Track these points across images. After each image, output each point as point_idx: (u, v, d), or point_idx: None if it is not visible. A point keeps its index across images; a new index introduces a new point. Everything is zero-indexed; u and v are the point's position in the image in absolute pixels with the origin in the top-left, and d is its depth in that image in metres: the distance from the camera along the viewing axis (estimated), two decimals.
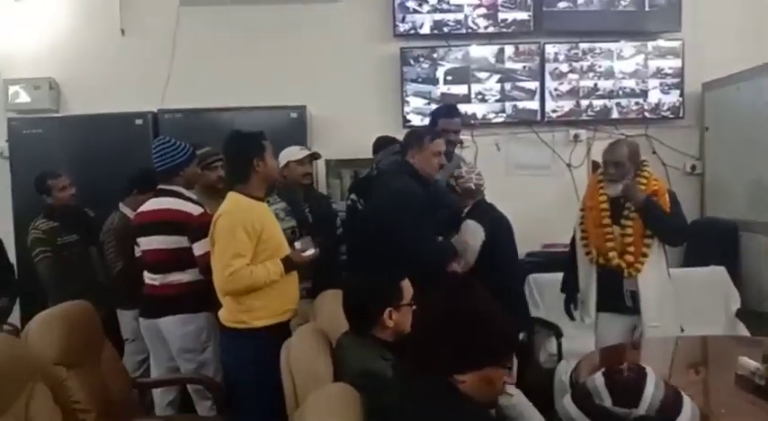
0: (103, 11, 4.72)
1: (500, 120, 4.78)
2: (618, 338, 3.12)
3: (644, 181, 3.12)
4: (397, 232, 2.91)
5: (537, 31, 4.75)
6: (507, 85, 4.77)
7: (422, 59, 4.75)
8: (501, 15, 4.72)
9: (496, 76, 4.76)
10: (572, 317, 3.37)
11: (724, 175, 4.59)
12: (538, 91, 4.76)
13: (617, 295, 3.15)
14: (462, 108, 4.36)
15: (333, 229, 3.68)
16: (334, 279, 3.22)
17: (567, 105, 4.79)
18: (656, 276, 3.13)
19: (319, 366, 2.10)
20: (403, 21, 4.72)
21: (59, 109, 4.72)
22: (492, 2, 4.71)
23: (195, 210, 3.08)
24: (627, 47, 4.77)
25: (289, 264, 2.80)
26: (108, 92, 4.60)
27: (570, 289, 3.39)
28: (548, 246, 4.55)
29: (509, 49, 4.75)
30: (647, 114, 4.80)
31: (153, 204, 3.17)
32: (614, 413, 0.94)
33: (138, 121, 4.32)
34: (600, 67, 4.77)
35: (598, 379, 0.99)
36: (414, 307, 2.12)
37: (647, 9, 4.74)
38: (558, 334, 3.78)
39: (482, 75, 4.76)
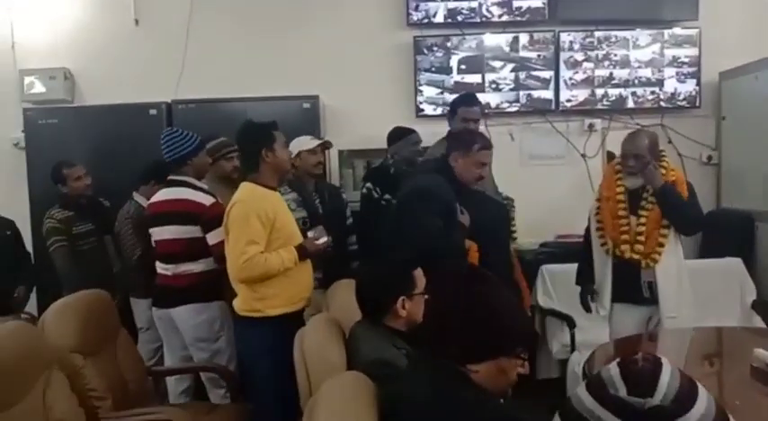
0: (117, 1, 4.74)
1: (514, 109, 4.75)
2: (633, 329, 3.10)
3: (662, 172, 3.08)
4: (419, 227, 2.83)
5: (552, 20, 4.70)
6: (521, 74, 4.73)
7: (435, 48, 4.73)
8: (515, 3, 4.68)
9: (511, 65, 4.73)
10: (588, 310, 3.34)
11: (740, 166, 4.54)
12: (552, 80, 4.73)
13: (633, 286, 3.12)
14: None
15: (343, 220, 3.69)
16: (345, 269, 3.23)
17: (582, 94, 4.75)
18: (673, 267, 3.11)
19: (333, 355, 2.11)
20: (416, 9, 4.69)
21: (74, 99, 4.75)
22: None
23: (207, 199, 3.09)
24: (643, 35, 4.71)
25: (302, 252, 2.83)
26: (122, 82, 4.62)
27: (586, 280, 3.35)
28: (562, 236, 4.52)
29: (523, 38, 4.72)
30: (662, 104, 4.75)
31: (164, 194, 3.19)
32: (629, 403, 0.93)
33: (152, 112, 4.33)
34: (615, 55, 4.72)
35: (613, 368, 0.98)
36: (426, 296, 2.12)
37: None
38: (571, 325, 3.76)
39: (496, 63, 4.73)
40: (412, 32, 4.74)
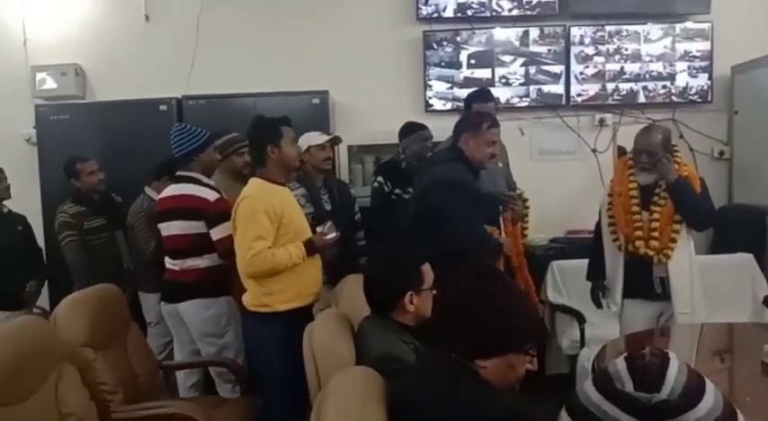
0: None
1: (524, 104, 4.73)
2: (643, 325, 3.08)
3: (675, 167, 3.05)
4: (447, 217, 2.85)
5: (562, 14, 4.67)
6: (532, 69, 4.71)
7: (445, 43, 4.71)
8: None
9: (521, 60, 4.70)
10: (599, 306, 3.32)
11: (753, 160, 4.50)
12: (563, 74, 4.70)
13: (645, 282, 3.09)
14: None
15: (351, 216, 3.69)
16: (352, 264, 3.24)
17: (593, 89, 4.72)
18: (685, 262, 3.09)
19: (341, 350, 2.11)
20: (426, 4, 4.67)
21: (85, 95, 4.78)
22: None
23: (211, 195, 3.11)
24: (654, 29, 4.68)
25: (311, 247, 2.83)
26: (133, 78, 4.64)
27: (597, 276, 3.33)
28: (572, 232, 4.51)
29: (534, 32, 4.69)
30: (674, 98, 4.71)
31: (171, 190, 3.22)
32: (635, 397, 0.93)
33: (163, 108, 4.35)
34: (626, 49, 4.69)
35: (620, 363, 0.98)
36: (434, 292, 2.12)
37: None
38: (581, 320, 3.75)
39: (506, 58, 4.71)
40: (421, 27, 4.72)
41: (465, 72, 4.72)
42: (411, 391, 1.57)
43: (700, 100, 4.71)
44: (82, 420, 2.29)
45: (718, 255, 4.18)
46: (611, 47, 4.69)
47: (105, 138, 4.29)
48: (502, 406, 1.44)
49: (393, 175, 3.74)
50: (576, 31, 4.68)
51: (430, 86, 4.72)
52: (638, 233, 3.05)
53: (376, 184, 3.79)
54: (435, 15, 4.70)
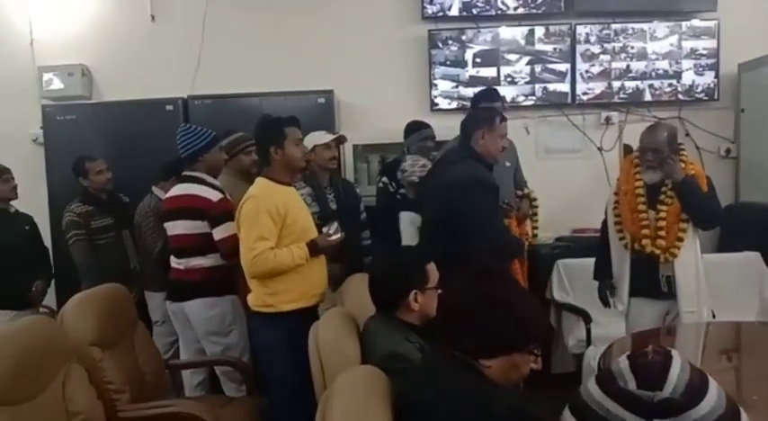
0: None
1: (530, 102, 4.72)
2: (650, 324, 3.07)
3: (681, 165, 3.03)
4: (473, 216, 2.86)
5: (568, 12, 4.66)
6: (537, 68, 4.70)
7: (450, 42, 4.71)
8: None
9: (526, 58, 4.70)
10: (607, 304, 3.31)
11: (760, 158, 4.47)
12: (569, 73, 4.69)
13: (652, 280, 3.09)
14: None
15: (357, 215, 3.70)
16: (357, 264, 3.25)
17: (599, 87, 4.71)
18: (692, 261, 3.08)
19: (347, 349, 2.12)
20: (431, 2, 4.67)
21: (92, 95, 4.79)
22: None
23: (214, 195, 3.12)
24: (660, 27, 4.66)
25: (314, 248, 2.81)
26: (139, 78, 4.66)
27: (604, 275, 3.31)
28: (578, 231, 4.50)
29: (539, 31, 4.68)
30: (680, 96, 4.70)
31: (176, 190, 3.24)
32: (638, 396, 0.93)
33: (169, 107, 4.37)
34: (632, 48, 4.67)
35: (623, 362, 0.98)
36: (439, 291, 2.12)
37: None
38: (587, 319, 3.75)
39: (512, 57, 4.70)
40: (427, 26, 4.72)
41: (470, 71, 4.71)
42: (416, 390, 1.57)
43: (706, 98, 4.70)
44: (89, 419, 2.30)
45: (725, 254, 4.16)
46: (617, 45, 4.67)
47: (112, 138, 4.31)
48: (506, 405, 1.45)
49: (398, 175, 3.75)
50: (581, 30, 4.67)
51: (435, 85, 4.72)
52: (645, 231, 3.04)
53: (381, 184, 3.80)
54: (440, 14, 4.69)
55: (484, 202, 2.89)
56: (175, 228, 3.20)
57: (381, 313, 2.19)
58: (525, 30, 4.69)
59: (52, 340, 2.32)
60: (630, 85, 4.69)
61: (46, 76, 4.67)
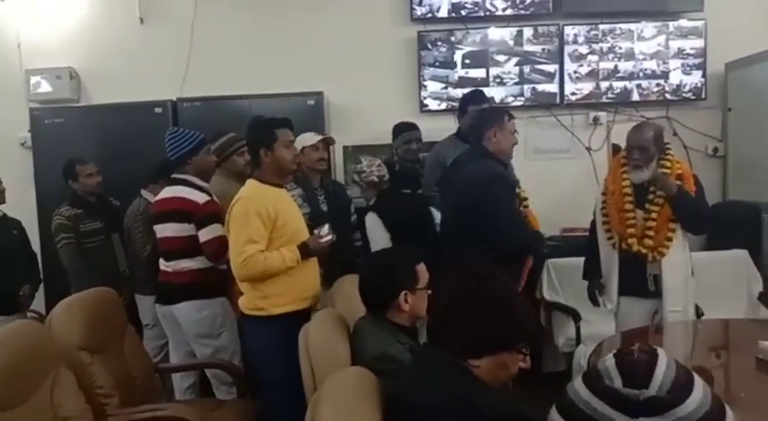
0: (122, 0, 4.76)
1: (519, 103, 4.73)
2: (639, 322, 3.08)
3: (668, 164, 3.05)
4: (498, 213, 2.91)
5: (556, 13, 4.69)
6: (526, 68, 4.72)
7: (439, 43, 4.72)
8: None
9: (515, 59, 4.72)
10: (596, 304, 3.32)
11: (747, 157, 4.51)
12: (557, 73, 4.71)
13: (640, 279, 3.10)
14: None
15: (347, 216, 3.69)
16: (348, 265, 3.23)
17: (587, 88, 4.73)
18: (680, 260, 3.09)
19: (337, 350, 2.11)
20: (420, 4, 4.69)
21: (80, 98, 4.78)
22: None
23: (201, 198, 3.11)
24: (648, 27, 4.69)
25: (305, 250, 2.79)
26: (127, 81, 4.65)
27: (593, 274, 3.33)
28: (567, 230, 4.52)
29: (528, 32, 4.70)
30: (668, 96, 4.72)
31: (164, 193, 3.23)
32: (624, 394, 0.94)
33: (158, 110, 4.36)
34: (620, 48, 4.70)
35: (609, 360, 0.99)
36: (429, 291, 2.12)
37: None
38: (577, 318, 3.76)
39: (500, 58, 4.72)
40: (416, 27, 4.73)
41: (459, 72, 4.72)
42: (406, 391, 1.57)
43: (693, 97, 4.72)
44: None
45: (713, 252, 4.19)
46: (605, 45, 4.70)
47: (101, 141, 4.30)
48: (496, 404, 1.45)
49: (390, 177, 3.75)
50: (569, 30, 4.69)
51: (425, 86, 4.73)
52: (631, 230, 3.06)
53: None
54: (429, 15, 4.71)
55: (505, 198, 2.93)
56: (164, 230, 3.19)
57: (372, 314, 2.19)
58: (514, 31, 4.71)
59: (40, 345, 2.31)
60: (618, 85, 4.72)
61: (33, 79, 4.65)
